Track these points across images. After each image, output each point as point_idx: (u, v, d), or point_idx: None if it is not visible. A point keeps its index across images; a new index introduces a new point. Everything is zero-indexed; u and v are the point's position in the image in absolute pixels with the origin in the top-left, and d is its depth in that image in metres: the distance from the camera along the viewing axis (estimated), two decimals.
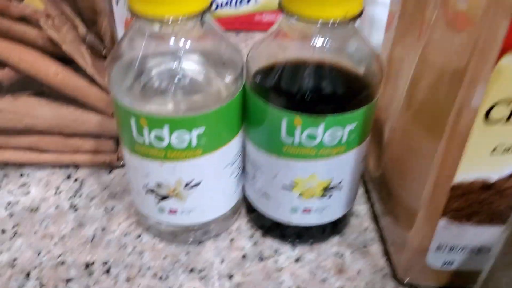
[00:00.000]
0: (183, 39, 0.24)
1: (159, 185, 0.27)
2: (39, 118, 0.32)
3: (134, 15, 0.23)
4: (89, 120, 0.33)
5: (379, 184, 0.32)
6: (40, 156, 0.35)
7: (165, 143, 0.25)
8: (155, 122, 0.25)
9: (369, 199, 0.34)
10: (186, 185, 0.27)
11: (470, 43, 0.19)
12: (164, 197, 0.28)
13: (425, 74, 0.25)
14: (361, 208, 0.34)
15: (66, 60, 0.31)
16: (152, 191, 0.28)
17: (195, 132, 0.25)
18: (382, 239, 0.31)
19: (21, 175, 0.35)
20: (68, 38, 0.30)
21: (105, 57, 0.32)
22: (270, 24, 0.56)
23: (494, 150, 0.22)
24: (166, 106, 0.25)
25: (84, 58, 0.31)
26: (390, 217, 0.30)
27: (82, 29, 0.30)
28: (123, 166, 0.36)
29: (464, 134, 0.21)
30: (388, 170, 0.30)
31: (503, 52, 0.19)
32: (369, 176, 0.34)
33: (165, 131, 0.25)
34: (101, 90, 0.32)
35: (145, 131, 0.25)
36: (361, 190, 0.35)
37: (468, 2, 0.20)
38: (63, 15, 0.29)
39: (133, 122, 0.25)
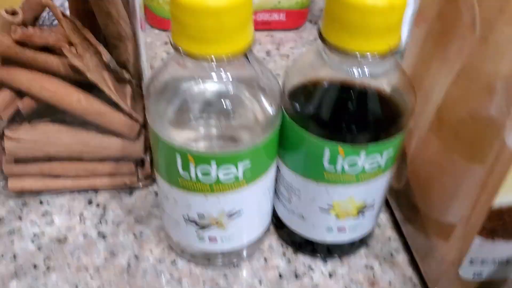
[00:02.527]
0: (227, 74, 0.24)
1: (201, 216, 0.28)
2: (60, 145, 0.32)
3: (178, 52, 0.23)
4: (112, 145, 0.32)
5: (398, 193, 0.33)
6: (58, 181, 0.34)
7: (212, 178, 0.25)
8: (202, 159, 0.25)
9: (388, 207, 0.36)
10: (229, 214, 0.28)
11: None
12: (204, 226, 0.28)
13: (463, 102, 0.26)
14: (382, 216, 0.35)
15: (87, 86, 0.30)
16: (193, 221, 0.28)
17: (241, 166, 0.25)
18: (407, 248, 0.33)
19: (41, 202, 0.34)
20: (91, 65, 0.29)
21: (127, 81, 0.31)
22: (265, 23, 0.56)
23: None
24: (212, 142, 0.25)
25: (108, 84, 0.30)
26: (414, 226, 0.31)
27: (106, 55, 0.29)
28: (143, 187, 0.35)
29: (506, 166, 0.23)
30: (411, 183, 0.32)
31: None
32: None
33: (212, 166, 0.25)
34: (124, 115, 0.31)
35: (191, 167, 0.25)
36: None
37: None
38: (85, 41, 0.28)
39: (178, 159, 0.25)
